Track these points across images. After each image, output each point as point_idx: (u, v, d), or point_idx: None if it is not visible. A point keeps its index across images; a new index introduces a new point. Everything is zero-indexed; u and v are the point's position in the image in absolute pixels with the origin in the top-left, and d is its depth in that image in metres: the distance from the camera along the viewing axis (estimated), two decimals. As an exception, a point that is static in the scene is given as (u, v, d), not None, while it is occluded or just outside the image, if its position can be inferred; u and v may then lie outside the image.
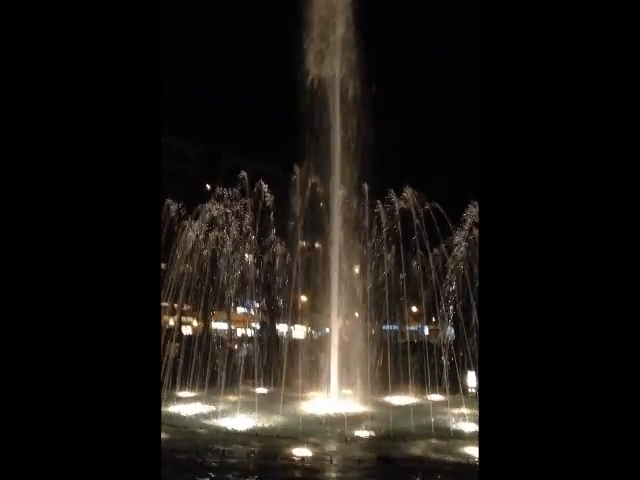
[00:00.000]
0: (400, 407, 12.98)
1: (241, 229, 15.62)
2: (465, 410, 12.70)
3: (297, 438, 9.81)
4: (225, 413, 12.02)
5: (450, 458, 8.91)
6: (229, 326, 30.71)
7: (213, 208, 14.79)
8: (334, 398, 13.97)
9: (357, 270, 16.18)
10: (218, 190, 14.74)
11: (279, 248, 17.74)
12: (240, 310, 31.60)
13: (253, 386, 15.19)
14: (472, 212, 14.97)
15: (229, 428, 10.71)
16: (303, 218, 15.26)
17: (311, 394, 14.34)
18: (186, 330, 29.61)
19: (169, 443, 9.52)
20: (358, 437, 10.40)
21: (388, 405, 13.05)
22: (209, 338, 18.90)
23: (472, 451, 9.13)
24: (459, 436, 10.50)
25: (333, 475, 7.89)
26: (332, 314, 15.01)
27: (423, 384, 13.66)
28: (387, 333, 20.12)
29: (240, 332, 34.04)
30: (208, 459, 8.54)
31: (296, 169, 15.33)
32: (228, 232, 15.50)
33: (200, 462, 8.32)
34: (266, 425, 11.06)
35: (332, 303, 15.05)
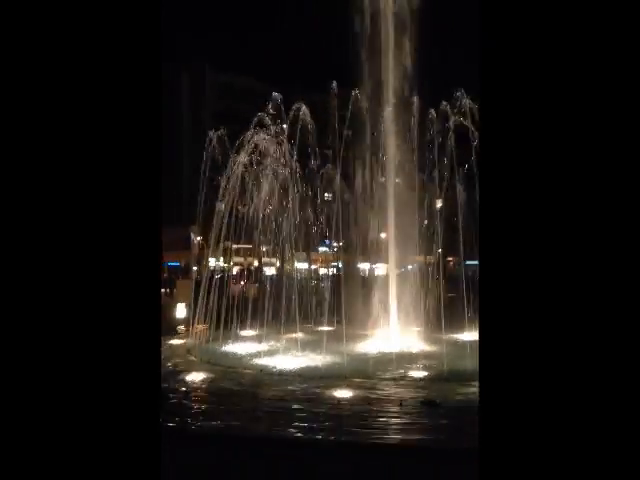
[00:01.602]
0: (462, 345, 12.11)
1: (287, 161, 14.78)
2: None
3: (341, 378, 9.30)
4: (277, 352, 11.75)
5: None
6: (309, 266, 30.63)
7: (257, 137, 14.03)
8: (395, 336, 13.31)
9: (422, 201, 15.10)
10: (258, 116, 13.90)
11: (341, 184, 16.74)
12: (321, 249, 31.51)
13: (318, 325, 14.87)
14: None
15: (275, 368, 10.37)
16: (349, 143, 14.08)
17: (372, 332, 13.75)
18: (269, 271, 29.73)
19: (210, 384, 9.37)
20: (410, 377, 9.76)
21: (450, 343, 12.27)
22: (287, 278, 18.64)
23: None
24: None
25: (367, 420, 7.26)
26: (390, 249, 14.20)
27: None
28: (468, 269, 18.98)
29: (322, 271, 34.00)
30: (244, 402, 8.19)
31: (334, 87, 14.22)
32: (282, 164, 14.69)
33: (234, 406, 7.99)
34: (313, 365, 10.64)
35: (389, 238, 14.23)
